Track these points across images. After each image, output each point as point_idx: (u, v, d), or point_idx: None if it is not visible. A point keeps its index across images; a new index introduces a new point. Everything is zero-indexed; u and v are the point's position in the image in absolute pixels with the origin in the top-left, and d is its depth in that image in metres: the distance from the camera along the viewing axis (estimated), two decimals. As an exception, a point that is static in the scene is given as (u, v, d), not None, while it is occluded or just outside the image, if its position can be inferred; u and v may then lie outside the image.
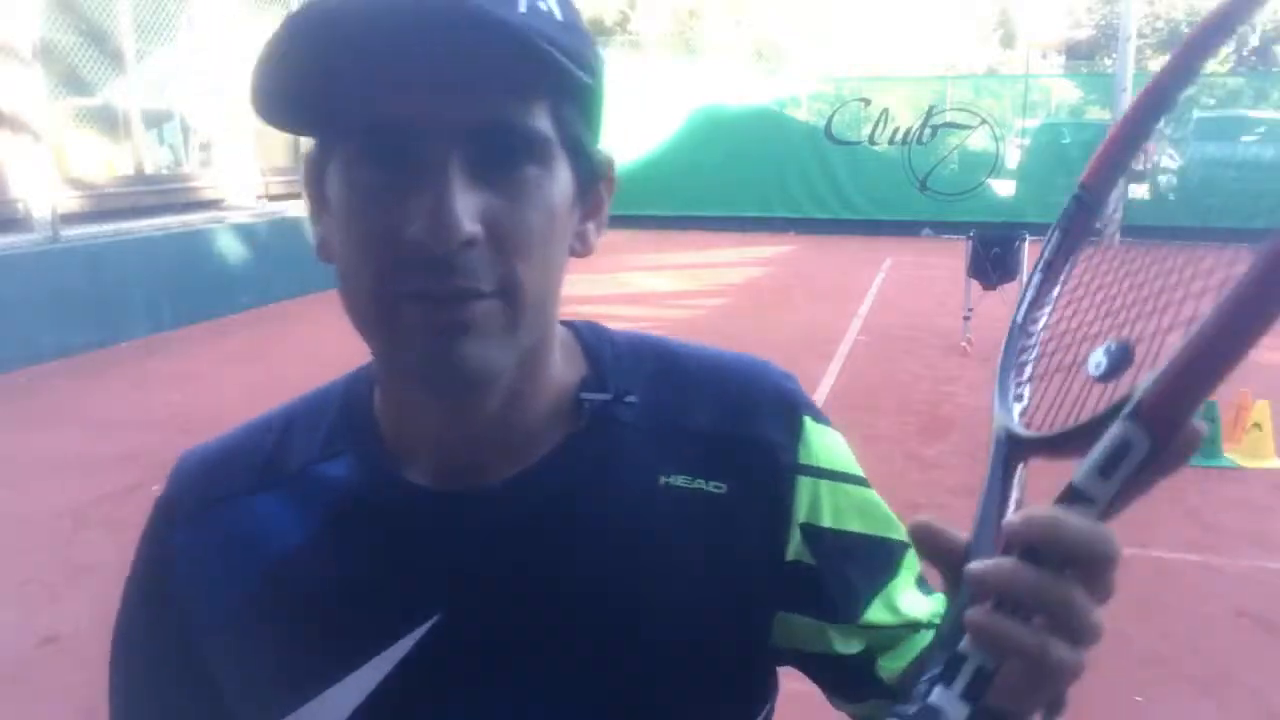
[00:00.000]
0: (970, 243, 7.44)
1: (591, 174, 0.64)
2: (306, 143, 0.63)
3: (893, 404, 6.06)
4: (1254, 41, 30.35)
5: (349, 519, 0.66)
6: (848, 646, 0.70)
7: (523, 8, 0.54)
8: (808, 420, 0.71)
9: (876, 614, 0.70)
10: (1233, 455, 5.05)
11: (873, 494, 0.73)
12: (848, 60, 24.02)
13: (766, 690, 0.73)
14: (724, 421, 0.69)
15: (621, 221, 15.67)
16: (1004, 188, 15.17)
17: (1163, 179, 14.88)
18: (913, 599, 0.72)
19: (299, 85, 0.56)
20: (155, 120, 9.61)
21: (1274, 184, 14.01)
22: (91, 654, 3.65)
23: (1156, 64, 28.13)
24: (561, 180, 0.59)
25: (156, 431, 5.39)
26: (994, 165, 14.97)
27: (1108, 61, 24.60)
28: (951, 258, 9.36)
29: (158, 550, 0.71)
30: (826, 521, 0.69)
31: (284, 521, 0.67)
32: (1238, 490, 4.70)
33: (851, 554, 0.70)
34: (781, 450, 0.69)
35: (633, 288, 10.24)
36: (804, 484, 0.68)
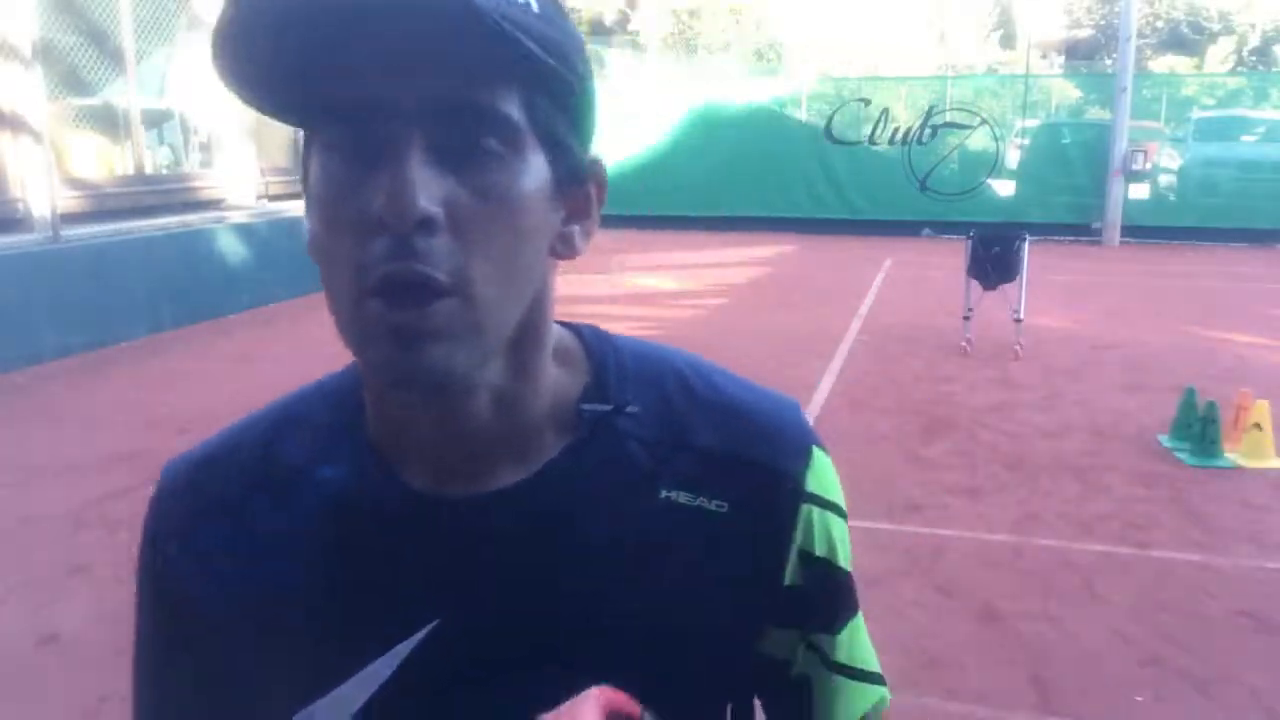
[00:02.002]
0: (970, 243, 7.43)
1: (573, 172, 0.62)
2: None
3: (893, 404, 6.06)
4: (1254, 41, 30.34)
5: (345, 522, 0.66)
6: (807, 664, 0.73)
7: None
8: (816, 450, 0.71)
9: (834, 643, 0.74)
10: (1233, 455, 5.05)
11: (846, 526, 0.74)
12: (848, 60, 24.01)
13: (745, 692, 0.76)
14: (731, 442, 0.69)
15: (621, 221, 15.76)
16: (1004, 188, 15.17)
17: (1163, 179, 14.88)
18: (866, 646, 0.77)
19: (254, 69, 0.55)
20: (155, 120, 9.61)
21: (1274, 184, 14.01)
22: (91, 654, 3.65)
23: (1157, 64, 28.22)
24: (532, 172, 0.58)
25: (156, 431, 5.39)
26: (994, 165, 14.97)
27: (1108, 61, 24.60)
28: (951, 258, 9.35)
29: (153, 558, 0.71)
30: (820, 550, 0.71)
31: (278, 526, 0.67)
32: (1238, 490, 4.70)
33: (831, 580, 0.72)
34: (789, 478, 0.69)
35: (632, 287, 10.24)
36: (805, 511, 0.69)
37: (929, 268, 11.54)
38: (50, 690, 2.98)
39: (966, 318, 7.38)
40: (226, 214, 9.42)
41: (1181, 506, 4.47)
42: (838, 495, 0.73)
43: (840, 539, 0.72)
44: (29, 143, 7.45)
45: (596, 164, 0.65)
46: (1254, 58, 29.99)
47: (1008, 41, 33.11)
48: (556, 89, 0.58)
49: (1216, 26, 30.64)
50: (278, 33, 0.53)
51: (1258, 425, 5.01)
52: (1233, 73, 24.56)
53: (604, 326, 0.75)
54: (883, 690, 0.77)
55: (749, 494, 0.68)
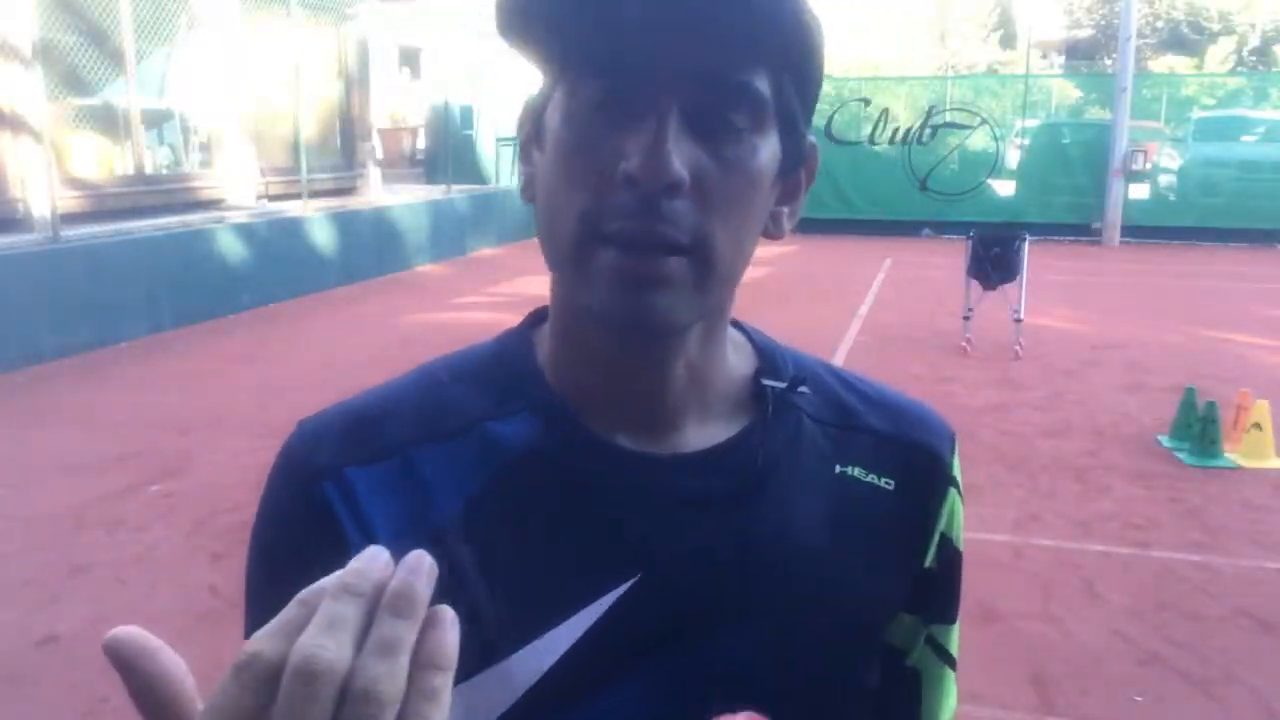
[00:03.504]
0: (970, 243, 7.43)
1: (797, 155, 0.65)
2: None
3: (893, 404, 6.06)
4: (1254, 41, 30.34)
5: (534, 474, 0.64)
6: (921, 658, 0.76)
7: None
8: (956, 438, 0.75)
9: (946, 632, 0.76)
10: (1233, 455, 5.05)
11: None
12: (848, 60, 24.00)
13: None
14: (894, 425, 0.72)
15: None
16: (1004, 188, 15.18)
17: (1163, 179, 14.87)
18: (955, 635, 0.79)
19: (535, 10, 0.58)
20: (155, 120, 9.61)
21: (1274, 184, 14.01)
22: (91, 654, 3.63)
23: (1157, 64, 28.22)
24: (769, 150, 0.60)
25: (156, 431, 5.39)
26: (994, 165, 14.97)
27: (1108, 61, 24.60)
28: (951, 258, 9.36)
29: (295, 501, 0.65)
30: (955, 536, 0.74)
31: (456, 477, 0.64)
32: (1238, 490, 4.70)
33: (958, 570, 0.75)
34: (943, 461, 0.73)
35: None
36: (951, 496, 0.73)
37: (929, 268, 11.54)
38: (50, 690, 2.98)
39: (966, 318, 7.38)
40: (226, 214, 9.42)
41: (1181, 506, 4.47)
42: (963, 483, 0.76)
43: (963, 525, 0.75)
44: (29, 143, 7.45)
45: (813, 148, 0.67)
46: (1254, 58, 29.99)
47: (1008, 41, 33.10)
48: (801, 74, 0.61)
49: (1216, 26, 30.63)
50: None
51: (1258, 425, 5.01)
52: (1233, 73, 24.56)
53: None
54: None
55: (913, 474, 0.71)
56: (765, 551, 0.65)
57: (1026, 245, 7.31)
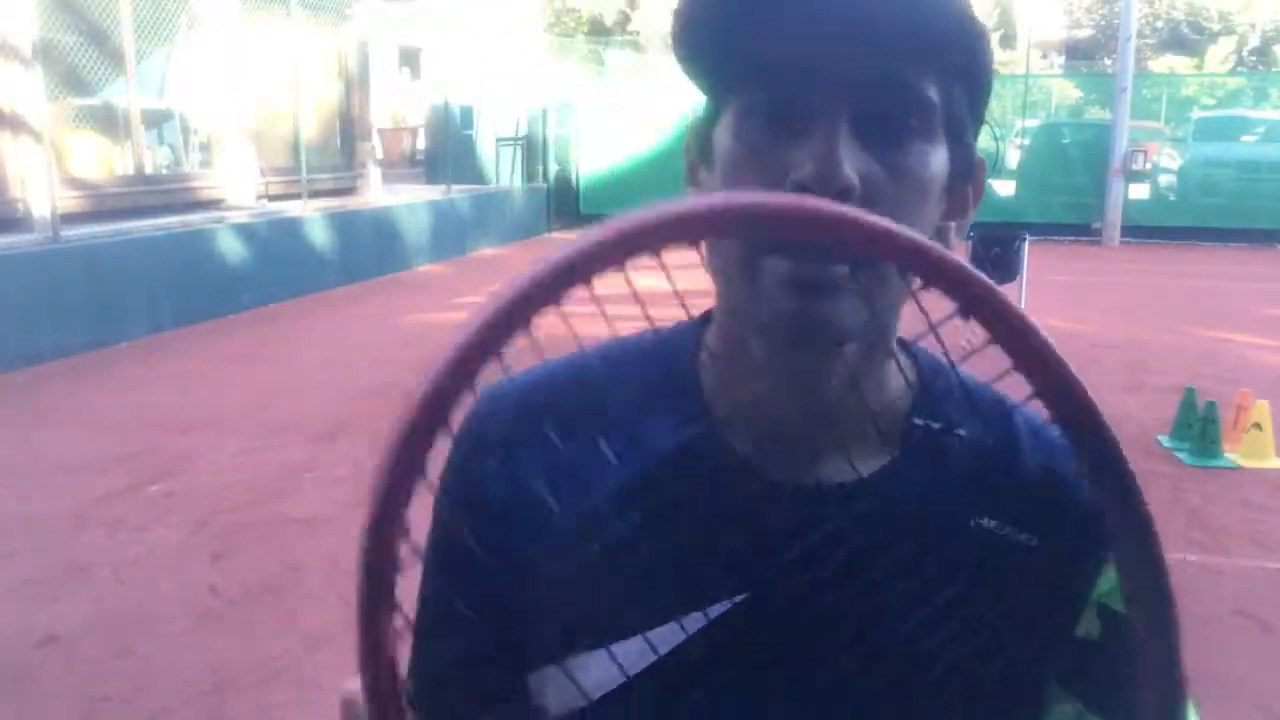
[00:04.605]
0: (970, 243, 7.44)
1: (965, 165, 0.64)
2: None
3: (893, 404, 6.06)
4: (1254, 41, 30.33)
5: (666, 477, 0.65)
6: None
7: None
8: None
9: None
10: (1233, 455, 5.05)
11: None
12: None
13: None
14: (1051, 478, 0.67)
15: (621, 221, 15.52)
16: (1004, 188, 15.17)
17: (1163, 179, 14.87)
18: None
19: (706, 31, 0.59)
20: (155, 120, 9.61)
21: (1274, 184, 14.01)
22: (91, 654, 3.63)
23: (1157, 64, 28.21)
24: (938, 158, 0.60)
25: (156, 431, 5.39)
26: (994, 165, 14.85)
27: (1108, 61, 24.60)
28: (951, 258, 9.33)
29: (465, 476, 0.70)
30: (1117, 605, 0.66)
31: (595, 469, 0.66)
32: (1238, 490, 4.70)
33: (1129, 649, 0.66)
34: (1100, 528, 0.66)
35: (633, 288, 10.23)
36: (1108, 566, 0.66)
37: (929, 268, 11.52)
38: (50, 690, 2.98)
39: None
40: (226, 214, 9.41)
41: (1181, 506, 4.47)
42: None
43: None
44: (29, 143, 7.45)
45: (981, 164, 0.67)
46: (1254, 58, 29.99)
47: (1008, 41, 33.10)
48: (973, 80, 0.61)
49: (1216, 26, 30.64)
50: (736, 3, 0.57)
51: (1258, 425, 5.01)
52: (1233, 73, 24.57)
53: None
54: None
55: (1063, 532, 0.66)
56: (876, 596, 0.62)
57: (1026, 245, 7.32)
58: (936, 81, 0.58)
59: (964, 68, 0.59)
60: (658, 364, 0.70)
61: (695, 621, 0.55)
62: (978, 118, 0.64)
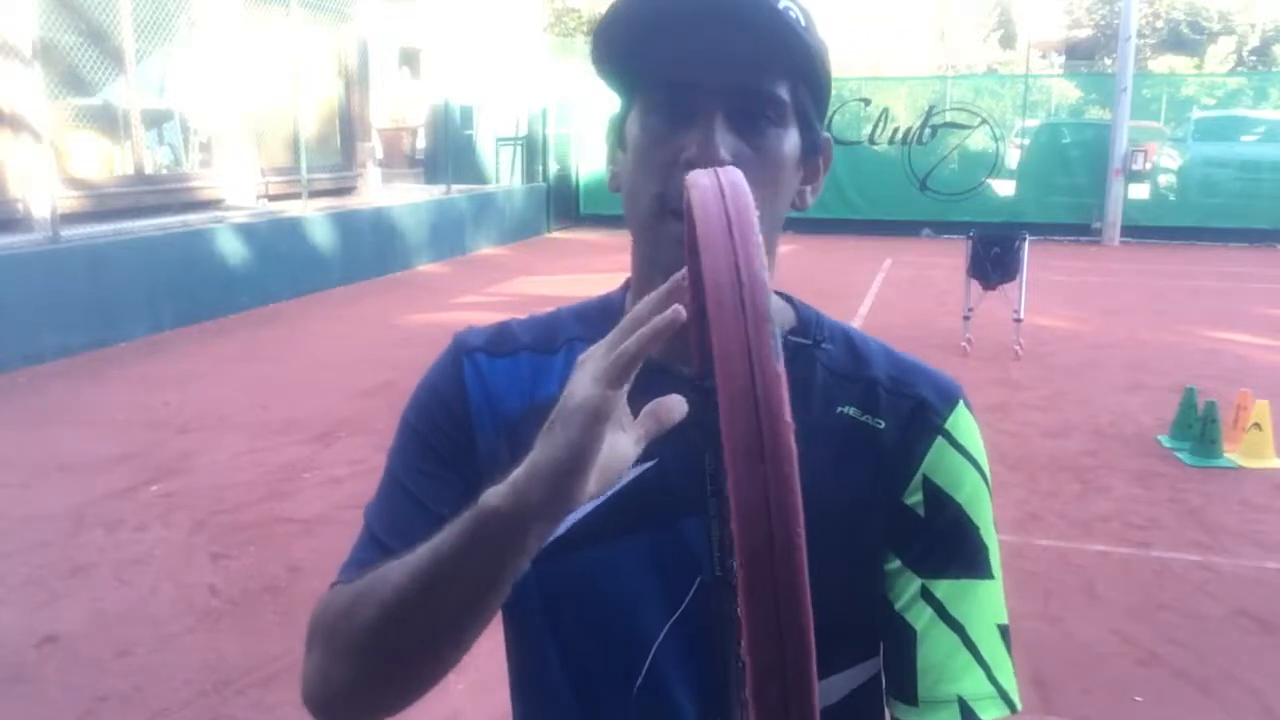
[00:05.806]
0: (970, 243, 7.43)
1: (813, 145, 0.84)
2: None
3: (893, 404, 6.06)
4: (1254, 41, 30.33)
5: None
6: (914, 613, 0.82)
7: (780, 5, 0.74)
8: (963, 404, 0.89)
9: (948, 593, 0.82)
10: (1233, 455, 5.05)
11: (986, 490, 0.87)
12: (848, 60, 24.00)
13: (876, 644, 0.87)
14: (896, 377, 0.88)
15: (621, 221, 15.60)
16: (1004, 188, 15.16)
17: (1163, 179, 14.87)
18: (988, 616, 0.83)
19: (621, 49, 0.79)
20: (155, 120, 9.61)
21: (1274, 184, 14.01)
22: (91, 654, 3.63)
23: (1157, 64, 28.20)
24: (790, 141, 0.80)
25: (156, 431, 5.39)
26: (994, 165, 14.96)
27: (1108, 61, 24.59)
28: (951, 258, 9.36)
29: (448, 370, 0.91)
30: (940, 480, 0.84)
31: (550, 376, 0.88)
32: (1238, 490, 4.70)
33: (952, 524, 0.84)
34: (935, 412, 0.86)
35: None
36: (938, 444, 0.85)
37: (929, 268, 11.54)
38: (50, 690, 2.98)
39: (966, 318, 7.38)
40: (226, 214, 9.42)
41: (1181, 506, 4.47)
42: (977, 452, 0.88)
43: (974, 493, 0.86)
44: (29, 143, 7.45)
45: (827, 141, 0.87)
46: (1254, 58, 29.99)
47: (1008, 41, 33.11)
48: (813, 82, 0.80)
49: (1216, 26, 30.64)
50: (643, 29, 0.76)
51: (1257, 425, 5.01)
52: (1233, 73, 24.57)
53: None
54: (1003, 689, 0.81)
55: (902, 417, 0.85)
56: None
57: (1026, 245, 7.31)
58: (788, 84, 0.78)
59: (808, 74, 0.79)
60: (602, 306, 0.94)
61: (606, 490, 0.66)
62: (821, 109, 0.83)
